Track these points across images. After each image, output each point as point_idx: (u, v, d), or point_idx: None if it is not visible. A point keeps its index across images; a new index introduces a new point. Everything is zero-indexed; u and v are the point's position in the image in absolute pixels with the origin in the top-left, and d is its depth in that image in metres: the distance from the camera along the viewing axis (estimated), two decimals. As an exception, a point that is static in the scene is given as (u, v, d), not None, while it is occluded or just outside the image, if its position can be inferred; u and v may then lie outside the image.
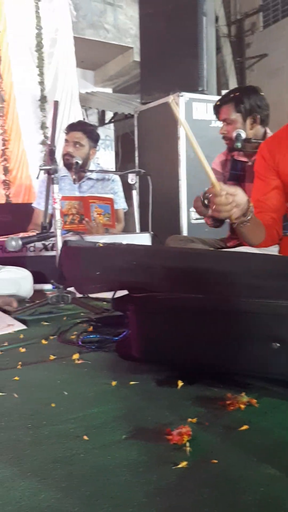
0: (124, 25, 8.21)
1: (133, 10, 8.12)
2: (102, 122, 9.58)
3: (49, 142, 5.03)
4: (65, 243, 1.51)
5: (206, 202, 2.32)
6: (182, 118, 3.17)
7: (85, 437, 0.84)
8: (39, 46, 5.04)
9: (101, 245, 1.40)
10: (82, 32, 7.45)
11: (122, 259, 1.19)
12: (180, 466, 0.73)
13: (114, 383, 1.08)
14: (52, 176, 1.94)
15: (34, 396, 1.05)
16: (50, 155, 1.93)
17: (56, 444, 0.82)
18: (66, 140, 3.13)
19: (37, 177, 3.14)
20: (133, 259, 1.17)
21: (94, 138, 3.23)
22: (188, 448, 0.78)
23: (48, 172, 1.94)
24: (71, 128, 3.14)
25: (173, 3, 4.08)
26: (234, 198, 1.54)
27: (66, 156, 3.12)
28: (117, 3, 8.11)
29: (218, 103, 2.74)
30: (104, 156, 9.97)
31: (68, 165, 3.17)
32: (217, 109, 2.76)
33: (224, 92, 5.12)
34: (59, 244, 1.92)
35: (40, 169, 1.96)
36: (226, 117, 2.67)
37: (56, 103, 1.97)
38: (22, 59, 5.03)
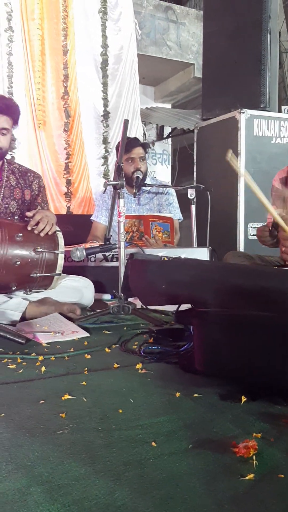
0: (186, 42, 8.33)
1: (196, 27, 8.23)
2: (160, 136, 9.71)
3: (108, 157, 5.19)
4: (131, 255, 1.56)
5: (275, 232, 2.33)
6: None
7: (154, 444, 0.87)
8: (104, 64, 5.21)
9: (166, 259, 1.44)
10: (145, 49, 7.62)
11: (188, 273, 1.23)
12: (247, 478, 0.76)
13: (178, 394, 1.12)
14: (118, 191, 2.01)
15: (102, 401, 1.10)
16: (118, 171, 2.01)
17: (126, 448, 0.87)
18: (130, 158, 3.16)
19: (104, 191, 3.24)
20: (199, 274, 1.20)
21: (147, 151, 3.38)
22: (254, 462, 0.80)
23: (115, 187, 2.02)
24: (133, 145, 3.20)
25: (237, 21, 4.11)
26: None
27: (135, 173, 3.13)
28: (181, 20, 8.24)
29: None
30: (161, 170, 10.09)
31: (129, 180, 3.22)
32: None
33: (284, 107, 5.07)
34: (122, 256, 1.98)
35: (108, 184, 2.03)
36: None
37: (126, 122, 2.04)
38: (87, 76, 5.21)
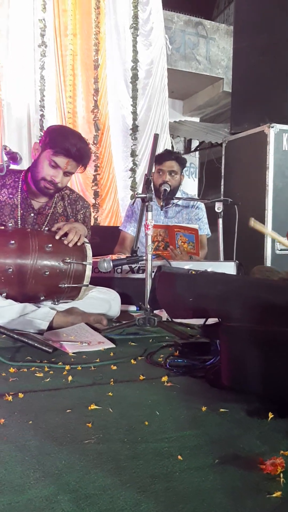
0: (215, 57, 8.39)
1: (225, 42, 8.28)
2: (188, 150, 9.75)
3: (136, 169, 5.24)
4: (159, 268, 1.57)
5: None
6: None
7: (180, 457, 0.87)
8: (135, 78, 5.29)
9: (194, 272, 1.44)
10: (175, 63, 7.71)
11: (217, 287, 1.23)
12: (274, 495, 0.75)
13: (204, 408, 1.11)
14: (147, 203, 2.03)
15: (128, 412, 1.10)
16: (146, 184, 2.03)
17: (152, 460, 0.87)
18: (160, 170, 3.20)
19: (133, 204, 3.26)
20: (227, 289, 1.20)
21: (183, 164, 3.33)
22: (282, 479, 0.79)
23: (143, 199, 2.04)
24: (165, 158, 3.23)
25: (268, 36, 4.13)
26: None
27: (163, 187, 3.15)
28: (210, 35, 8.31)
29: None
30: (188, 183, 10.12)
31: (157, 192, 3.24)
32: None
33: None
34: (149, 268, 1.99)
35: (136, 197, 2.05)
36: None
37: (156, 136, 2.07)
38: (117, 90, 5.31)
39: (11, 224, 2.27)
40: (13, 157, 1.95)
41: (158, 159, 3.25)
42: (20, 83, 4.90)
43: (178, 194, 3.39)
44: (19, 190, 2.30)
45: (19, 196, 2.30)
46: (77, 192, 2.65)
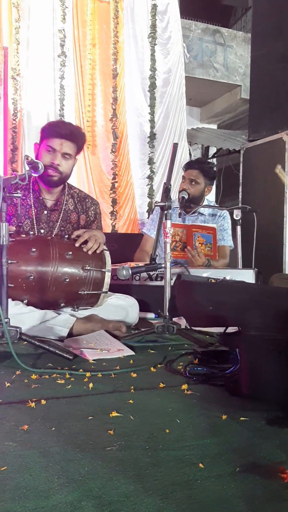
0: (233, 64, 8.40)
1: (243, 50, 8.30)
2: (205, 157, 9.76)
3: (153, 177, 5.27)
4: (179, 276, 1.58)
5: None
6: None
7: (201, 465, 0.88)
8: (152, 87, 5.33)
9: (213, 281, 1.45)
10: (192, 71, 7.75)
11: (236, 296, 1.24)
12: (296, 505, 0.75)
13: (224, 416, 1.12)
14: (166, 212, 2.04)
15: (149, 420, 1.11)
16: (166, 192, 2.05)
17: (173, 468, 0.88)
18: (183, 177, 3.22)
19: (152, 212, 3.28)
20: (247, 298, 1.21)
21: (210, 176, 3.27)
22: (303, 489, 0.80)
23: (162, 208, 2.05)
24: (189, 166, 3.24)
25: (285, 43, 4.14)
26: None
27: (181, 192, 3.18)
28: (228, 43, 8.33)
29: None
30: (205, 190, 10.11)
31: (182, 203, 3.23)
32: None
33: None
34: (168, 276, 2.00)
35: (155, 205, 2.07)
36: None
37: (175, 146, 2.09)
38: (136, 99, 5.36)
39: (32, 232, 2.32)
40: (35, 167, 1.98)
41: (184, 166, 3.27)
42: (40, 93, 4.98)
43: (206, 202, 3.36)
44: (31, 190, 2.37)
45: (31, 196, 2.38)
46: (90, 195, 2.72)
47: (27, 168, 1.95)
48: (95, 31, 5.33)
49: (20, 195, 1.87)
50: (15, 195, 1.76)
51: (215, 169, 3.38)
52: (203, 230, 3.01)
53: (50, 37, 5.08)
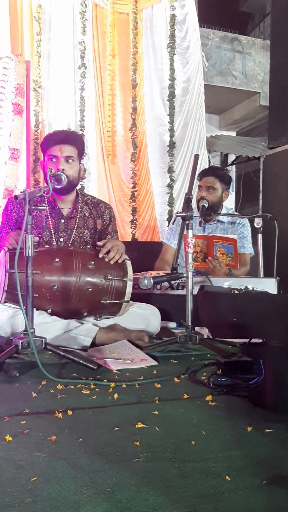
0: (251, 71, 8.40)
1: (262, 57, 8.29)
2: (224, 164, 9.75)
3: (173, 185, 5.29)
4: (202, 288, 1.59)
5: None
6: None
7: (227, 477, 0.89)
8: (172, 96, 5.37)
9: (237, 292, 1.46)
10: (211, 79, 7.78)
11: (260, 307, 1.24)
12: None
13: (249, 428, 1.12)
14: (187, 222, 2.06)
15: (174, 431, 1.12)
16: (187, 203, 2.06)
17: (200, 480, 0.89)
18: (199, 186, 3.24)
19: (172, 223, 3.29)
20: (271, 308, 1.21)
21: (226, 181, 3.29)
22: None
23: (184, 218, 2.07)
24: (204, 174, 3.26)
25: (306, 50, 4.12)
26: None
27: (201, 203, 3.19)
28: (246, 50, 8.34)
29: None
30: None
31: (202, 211, 3.24)
32: None
33: None
34: (190, 286, 2.01)
35: (177, 216, 2.09)
36: None
37: (196, 157, 2.11)
38: (155, 108, 5.40)
39: (55, 243, 2.36)
40: (58, 179, 2.02)
41: (198, 175, 3.28)
42: (61, 104, 5.06)
43: (222, 211, 3.37)
44: (47, 201, 2.41)
45: (47, 207, 2.42)
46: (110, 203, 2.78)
47: (51, 180, 1.98)
48: (115, 42, 5.39)
49: (45, 207, 1.91)
50: (40, 207, 1.80)
51: (229, 173, 3.40)
52: (224, 241, 3.01)
53: (71, 49, 5.16)
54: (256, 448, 1.03)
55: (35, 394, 1.37)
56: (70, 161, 2.37)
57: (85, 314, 2.18)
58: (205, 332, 2.22)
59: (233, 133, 9.90)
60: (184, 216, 2.06)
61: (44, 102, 5.01)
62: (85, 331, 2.07)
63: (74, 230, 2.46)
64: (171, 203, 5.41)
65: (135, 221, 5.37)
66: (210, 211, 3.25)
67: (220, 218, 3.28)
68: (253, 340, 1.39)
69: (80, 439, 1.06)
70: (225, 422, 1.19)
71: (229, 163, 9.87)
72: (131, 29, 5.44)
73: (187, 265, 2.05)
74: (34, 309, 1.78)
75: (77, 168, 2.44)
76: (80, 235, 2.45)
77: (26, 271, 1.72)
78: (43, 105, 4.99)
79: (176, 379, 1.57)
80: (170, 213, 5.35)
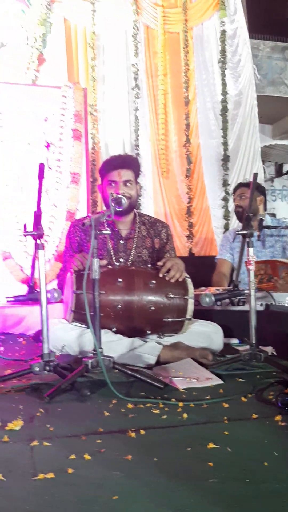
0: (304, 79, 8.25)
1: (314, 64, 8.13)
2: (279, 173, 9.59)
3: (228, 198, 5.28)
4: (267, 307, 1.60)
5: None
6: None
7: (304, 500, 0.89)
8: (224, 110, 5.38)
9: (302, 310, 1.45)
10: (263, 90, 7.70)
11: None
12: None
13: None
14: (247, 239, 2.06)
15: (246, 452, 1.14)
16: (247, 220, 2.07)
17: (275, 502, 0.90)
18: (235, 199, 3.35)
19: (233, 240, 3.32)
20: None
21: (260, 190, 3.29)
22: None
23: (244, 236, 2.08)
24: (239, 186, 3.37)
25: None
26: None
27: (237, 208, 3.29)
28: (298, 58, 8.21)
29: None
30: (281, 207, 9.90)
31: (239, 216, 3.28)
32: None
33: None
34: (253, 304, 2.01)
35: (237, 233, 2.11)
36: None
37: (255, 176, 2.12)
38: (208, 124, 5.43)
39: (117, 263, 2.43)
40: (119, 202, 2.09)
41: (234, 189, 3.40)
42: (116, 125, 5.19)
43: (270, 221, 3.36)
44: (105, 224, 2.47)
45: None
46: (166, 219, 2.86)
47: (112, 204, 2.06)
48: (166, 61, 5.48)
49: (109, 232, 1.99)
50: (104, 232, 1.89)
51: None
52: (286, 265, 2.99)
53: (124, 72, 5.30)
54: None
55: (107, 413, 1.43)
56: (128, 184, 2.46)
57: (148, 332, 2.23)
58: (268, 349, 2.20)
59: (287, 142, 9.72)
60: (245, 234, 2.07)
61: (100, 124, 5.16)
62: (149, 349, 2.11)
63: (133, 250, 2.52)
64: (227, 216, 5.39)
65: (191, 236, 5.39)
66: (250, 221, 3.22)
67: (271, 231, 3.27)
68: None
69: (155, 459, 1.10)
70: (297, 443, 1.18)
71: (284, 173, 9.70)
72: (182, 47, 5.52)
73: (249, 283, 2.05)
74: (101, 329, 1.84)
75: (136, 189, 2.53)
76: (139, 254, 2.51)
77: (93, 292, 1.79)
78: (99, 127, 5.14)
79: (243, 398, 1.57)
80: (226, 227, 5.33)
